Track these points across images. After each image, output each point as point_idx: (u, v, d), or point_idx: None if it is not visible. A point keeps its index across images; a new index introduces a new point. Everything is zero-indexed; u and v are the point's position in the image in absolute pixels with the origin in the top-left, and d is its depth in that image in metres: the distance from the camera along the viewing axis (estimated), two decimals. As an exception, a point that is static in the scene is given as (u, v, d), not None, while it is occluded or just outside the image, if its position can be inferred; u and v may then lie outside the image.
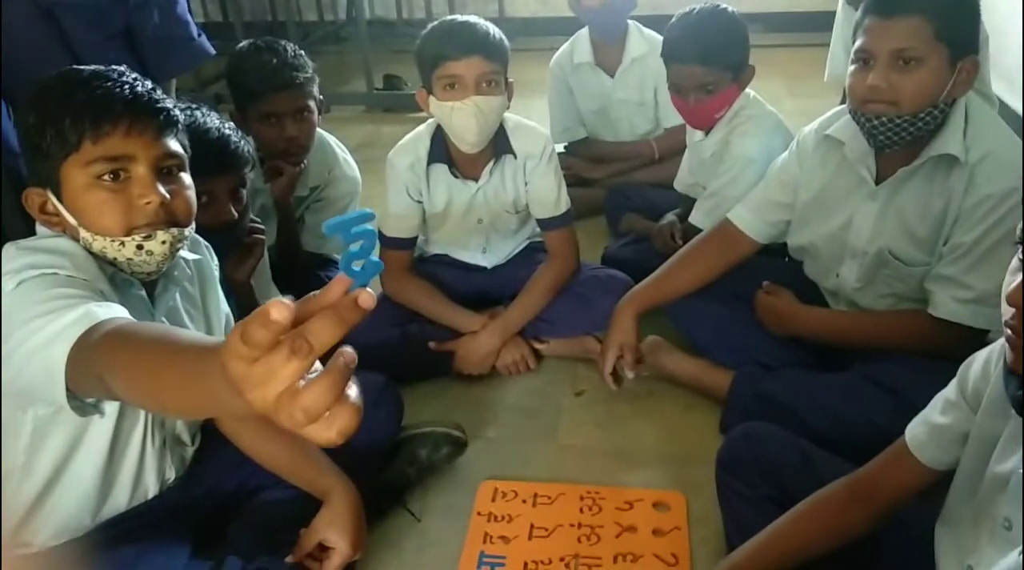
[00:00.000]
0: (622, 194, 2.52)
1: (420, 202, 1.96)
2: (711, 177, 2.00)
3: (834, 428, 1.48)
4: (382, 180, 1.97)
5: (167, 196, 1.09)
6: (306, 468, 1.34)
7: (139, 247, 1.08)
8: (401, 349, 1.90)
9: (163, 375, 0.71)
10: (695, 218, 2.01)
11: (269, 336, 0.51)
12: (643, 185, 2.54)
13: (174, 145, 1.11)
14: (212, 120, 1.51)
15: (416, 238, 2.02)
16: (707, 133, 2.02)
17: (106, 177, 1.05)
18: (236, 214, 1.55)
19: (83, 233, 1.08)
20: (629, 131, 2.70)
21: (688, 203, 2.13)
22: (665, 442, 1.74)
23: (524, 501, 1.56)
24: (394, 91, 3.98)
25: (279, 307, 0.50)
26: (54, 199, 1.08)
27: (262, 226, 1.67)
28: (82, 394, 0.89)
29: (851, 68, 1.44)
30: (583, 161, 2.73)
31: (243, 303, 1.59)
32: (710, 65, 1.87)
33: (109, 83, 1.06)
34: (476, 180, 1.93)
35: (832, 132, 1.58)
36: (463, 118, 1.76)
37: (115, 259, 1.09)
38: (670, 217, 2.17)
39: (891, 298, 1.60)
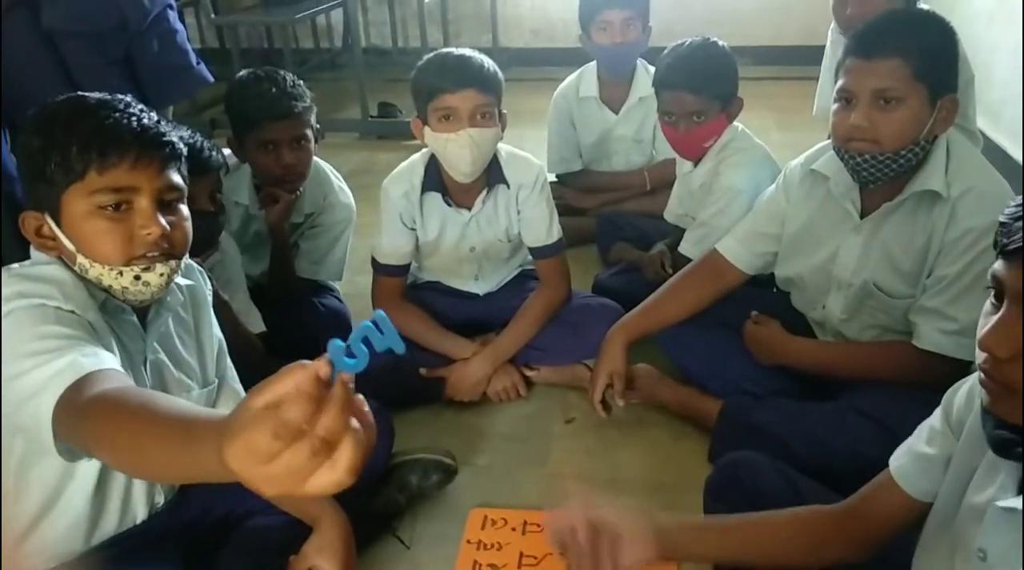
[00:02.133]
0: (613, 223, 2.55)
1: (414, 230, 1.98)
2: (700, 207, 2.03)
3: (822, 458, 1.49)
4: (376, 207, 1.99)
5: (167, 228, 1.09)
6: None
7: (136, 278, 1.09)
8: (392, 375, 1.89)
9: (147, 450, 0.73)
10: (684, 248, 2.04)
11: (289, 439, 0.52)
12: (634, 215, 2.57)
13: (176, 178, 1.12)
14: (181, 130, 1.53)
15: (409, 265, 2.03)
16: (696, 164, 2.05)
17: (108, 207, 1.06)
18: (213, 208, 1.64)
19: (80, 259, 1.08)
20: (624, 163, 2.74)
21: (678, 233, 2.15)
22: (654, 470, 1.75)
23: (514, 529, 1.56)
24: (389, 118, 4.02)
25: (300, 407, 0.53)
26: (52, 224, 1.09)
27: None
28: (70, 444, 0.90)
29: (834, 107, 1.48)
30: (575, 191, 2.77)
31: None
32: (700, 93, 1.91)
33: (117, 113, 1.07)
34: (469, 209, 1.96)
35: (818, 167, 1.62)
36: (457, 149, 1.79)
37: (110, 286, 1.10)
38: (660, 246, 2.20)
39: (876, 329, 1.62)
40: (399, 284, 2.02)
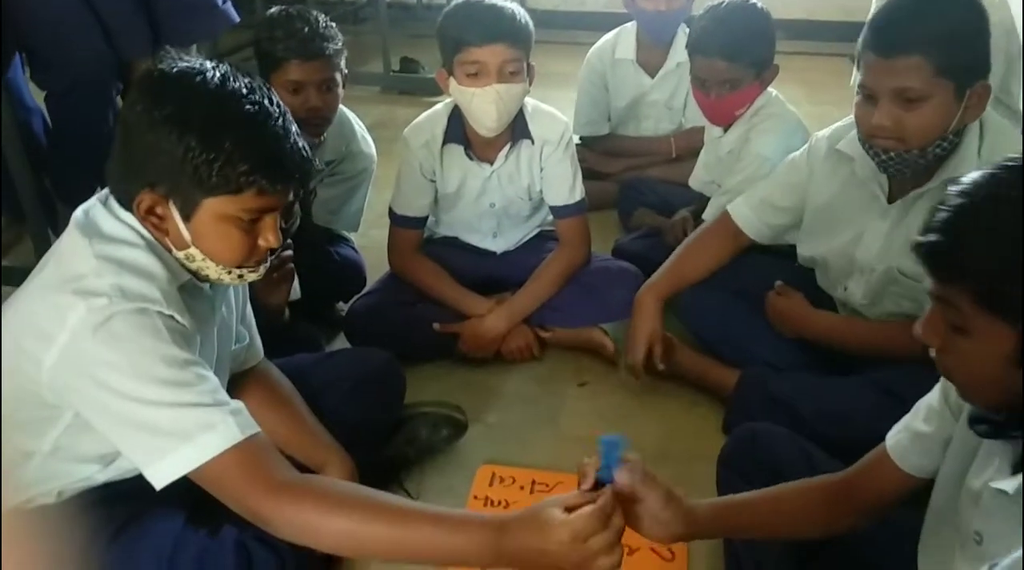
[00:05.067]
0: (635, 189, 2.50)
1: (433, 182, 1.94)
2: (727, 174, 1.98)
3: (839, 432, 1.46)
4: (394, 162, 1.96)
5: (282, 239, 1.11)
6: (303, 439, 1.33)
7: (240, 277, 1.12)
8: (405, 328, 1.89)
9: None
10: (708, 215, 1.99)
11: None
12: (657, 181, 2.52)
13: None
14: None
15: (426, 218, 2.00)
16: (726, 130, 2.00)
17: (245, 219, 1.06)
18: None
19: (192, 251, 1.07)
20: (653, 129, 2.68)
21: (702, 201, 2.11)
22: (666, 438, 1.72)
23: (522, 487, 1.54)
24: (411, 74, 3.96)
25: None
26: (176, 214, 1.05)
27: (291, 253, 1.67)
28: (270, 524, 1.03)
29: (856, 98, 1.41)
30: (598, 154, 2.72)
31: (273, 326, 1.60)
32: (734, 61, 1.85)
33: (286, 138, 1.05)
34: (491, 163, 1.92)
35: (843, 147, 1.56)
36: (483, 104, 1.75)
37: (203, 273, 1.11)
38: (684, 213, 2.16)
39: (899, 316, 1.57)
40: (416, 237, 1.99)
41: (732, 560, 1.31)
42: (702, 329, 1.86)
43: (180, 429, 1.00)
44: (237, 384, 1.34)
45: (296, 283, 1.79)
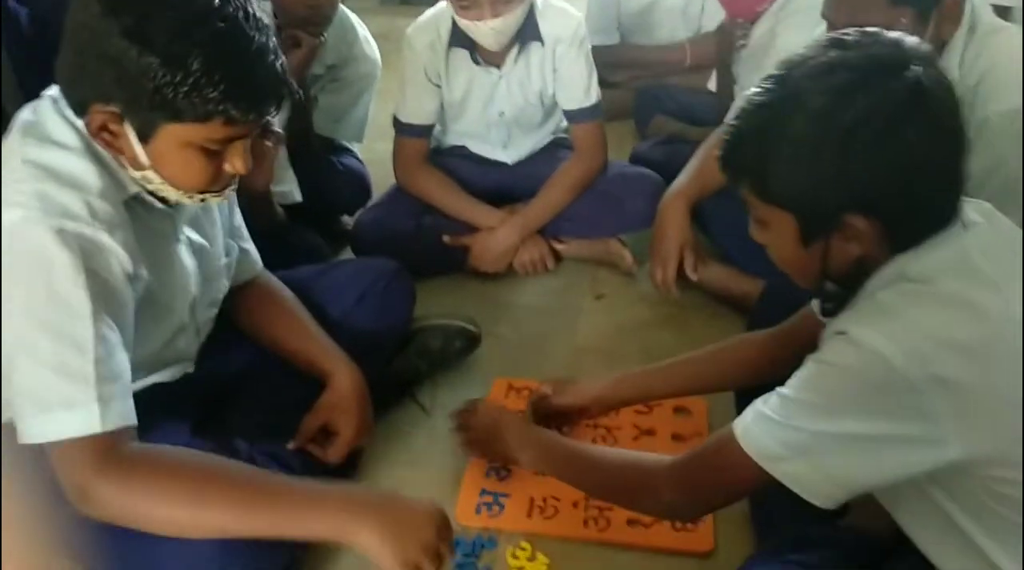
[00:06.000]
0: (653, 96, 2.39)
1: (439, 86, 1.83)
2: (753, 72, 1.86)
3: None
4: (397, 74, 1.85)
5: (251, 166, 1.01)
6: (309, 348, 1.27)
7: (202, 200, 1.04)
8: (414, 241, 1.81)
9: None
10: (730, 119, 1.88)
11: None
12: (676, 88, 2.40)
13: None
14: None
15: (432, 126, 1.90)
16: (753, 23, 1.87)
17: (211, 147, 0.96)
18: None
19: (150, 174, 0.97)
20: (668, 37, 2.54)
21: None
22: (687, 349, 1.63)
23: (539, 399, 1.48)
24: (413, -16, 3.79)
25: None
26: (134, 138, 0.94)
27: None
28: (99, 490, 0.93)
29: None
30: (605, 66, 2.57)
31: (259, 210, 1.49)
32: None
33: (265, 63, 0.93)
34: (499, 67, 1.80)
35: None
36: (481, 35, 1.69)
37: (157, 191, 1.01)
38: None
39: None
40: (422, 146, 1.89)
41: (760, 527, 1.24)
42: (726, 240, 1.78)
43: (41, 396, 0.91)
44: (236, 297, 1.28)
45: (295, 185, 1.71)
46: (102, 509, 0.93)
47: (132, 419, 0.96)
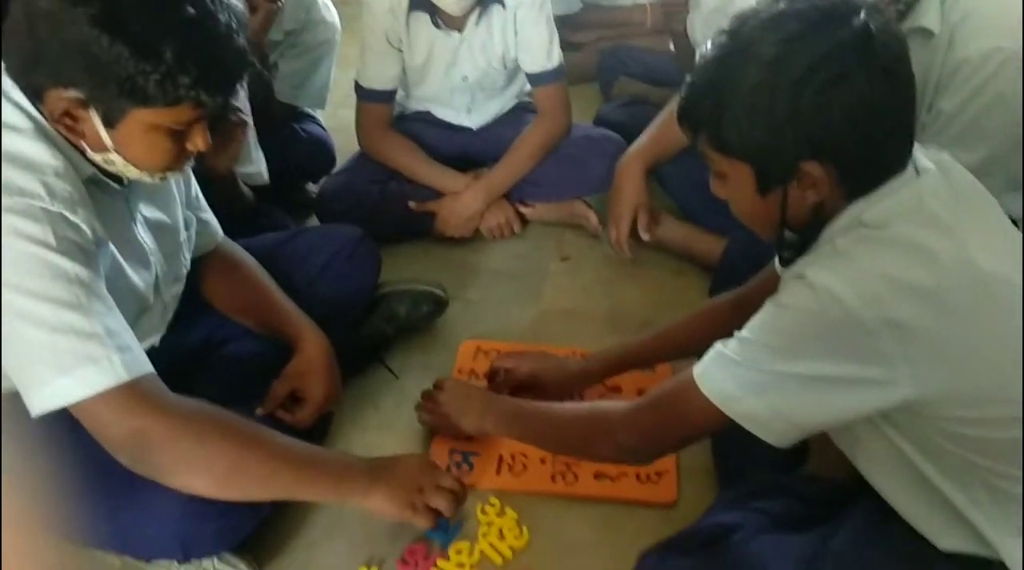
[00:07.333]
0: (616, 57, 2.37)
1: (400, 51, 1.82)
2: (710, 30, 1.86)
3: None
4: (357, 39, 1.83)
5: (211, 143, 1.01)
6: (275, 315, 1.28)
7: (162, 178, 1.04)
8: (379, 207, 1.81)
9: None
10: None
11: None
12: (639, 50, 2.39)
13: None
14: None
15: (395, 91, 1.89)
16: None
17: (177, 129, 0.96)
18: None
19: (112, 156, 0.97)
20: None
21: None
22: (652, 307, 1.68)
23: (507, 360, 1.50)
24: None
25: None
26: (99, 122, 0.93)
27: (244, 111, 1.54)
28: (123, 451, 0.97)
29: None
30: (566, 28, 2.56)
31: (225, 192, 1.48)
32: None
33: (233, 46, 0.92)
34: (460, 31, 1.79)
35: None
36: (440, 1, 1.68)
37: (117, 173, 1.01)
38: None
39: None
40: (385, 112, 1.88)
41: (723, 478, 1.28)
42: (687, 199, 1.80)
43: (56, 359, 0.90)
44: (199, 267, 1.27)
45: (263, 166, 1.69)
46: (159, 450, 0.95)
47: (151, 367, 0.97)
